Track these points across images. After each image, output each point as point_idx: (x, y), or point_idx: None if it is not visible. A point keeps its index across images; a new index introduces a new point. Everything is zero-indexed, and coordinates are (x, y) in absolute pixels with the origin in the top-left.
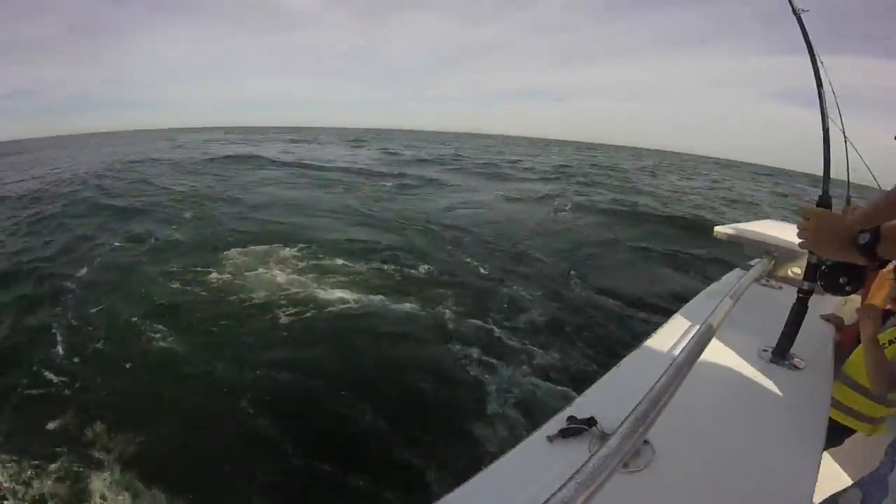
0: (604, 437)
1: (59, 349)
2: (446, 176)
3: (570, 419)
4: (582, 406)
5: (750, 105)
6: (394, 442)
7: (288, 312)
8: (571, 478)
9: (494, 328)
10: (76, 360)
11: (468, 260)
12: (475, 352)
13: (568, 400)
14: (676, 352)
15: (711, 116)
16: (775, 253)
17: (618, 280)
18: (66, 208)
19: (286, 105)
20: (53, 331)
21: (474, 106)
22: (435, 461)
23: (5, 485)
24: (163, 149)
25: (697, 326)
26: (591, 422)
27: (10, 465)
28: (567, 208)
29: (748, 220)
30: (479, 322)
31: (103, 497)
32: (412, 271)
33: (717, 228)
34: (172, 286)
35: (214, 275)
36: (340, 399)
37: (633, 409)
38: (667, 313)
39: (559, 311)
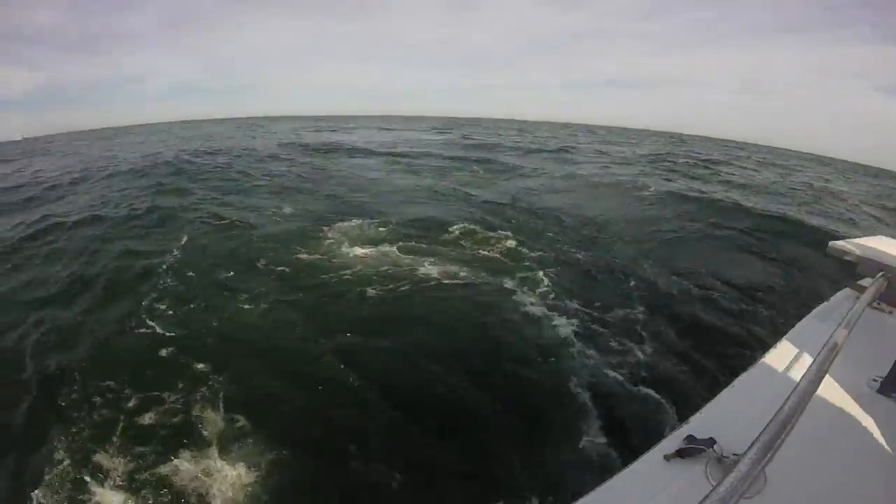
0: (721, 459)
1: (166, 299)
2: (536, 162)
3: (690, 438)
4: (700, 425)
5: (857, 98)
6: (481, 423)
7: (382, 286)
8: None
9: (589, 314)
10: (183, 310)
11: (564, 246)
12: (567, 337)
13: (656, 407)
14: (792, 375)
15: (814, 109)
16: (889, 274)
17: (712, 277)
18: (163, 181)
19: (373, 94)
20: (161, 282)
21: (564, 94)
22: (523, 450)
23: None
24: (256, 136)
25: (810, 352)
26: (710, 442)
27: (123, 396)
28: (657, 198)
29: (846, 230)
30: (574, 305)
31: (213, 429)
32: (503, 251)
33: (832, 244)
34: (271, 258)
35: (309, 251)
36: (427, 368)
37: (759, 436)
38: (766, 320)
39: (656, 303)
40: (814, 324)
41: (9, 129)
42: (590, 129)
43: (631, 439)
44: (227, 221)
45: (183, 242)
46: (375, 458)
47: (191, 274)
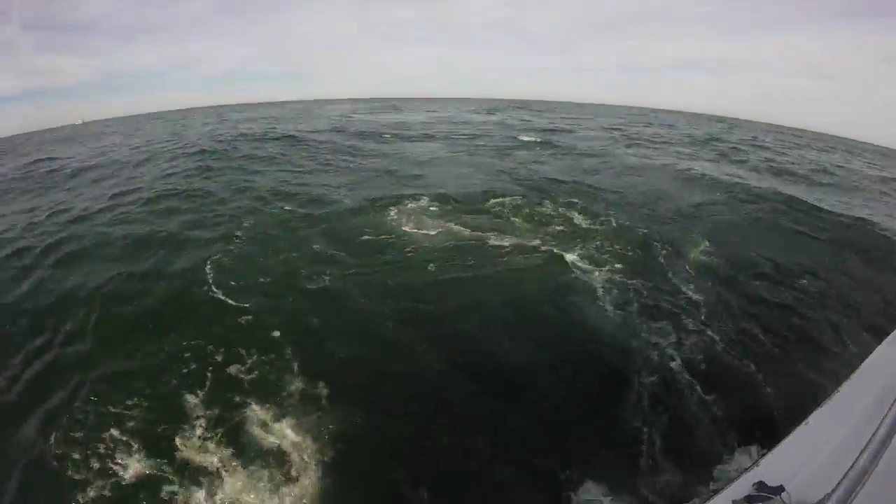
0: None
1: (242, 271)
2: (593, 143)
3: (760, 485)
4: (771, 468)
5: None
6: (542, 394)
7: (447, 260)
8: None
9: (649, 293)
10: (258, 281)
11: (625, 222)
12: (629, 317)
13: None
14: (871, 414)
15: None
16: None
17: (775, 263)
18: (240, 158)
19: (430, 77)
20: (231, 247)
21: (621, 76)
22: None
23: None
24: (313, 117)
25: (892, 386)
26: (779, 490)
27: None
28: (713, 181)
29: None
30: (637, 284)
31: (288, 386)
32: (566, 225)
33: None
34: (338, 234)
35: (374, 227)
36: (493, 338)
37: (834, 489)
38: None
39: (717, 287)
40: (888, 353)
41: (70, 115)
42: (649, 112)
43: (680, 430)
44: (293, 199)
45: (249, 223)
46: (441, 420)
47: (262, 248)
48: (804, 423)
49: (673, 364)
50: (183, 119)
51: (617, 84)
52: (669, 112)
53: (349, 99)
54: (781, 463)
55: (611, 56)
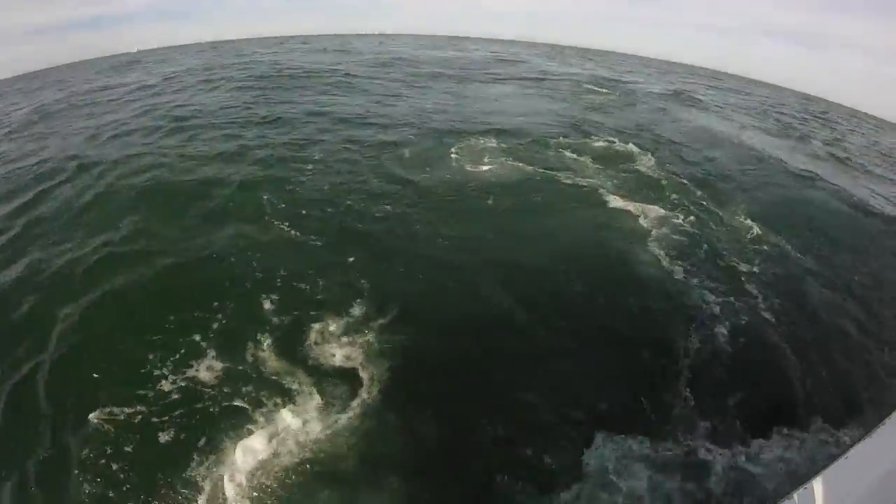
0: None
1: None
2: (656, 101)
3: None
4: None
5: None
6: (598, 341)
7: (514, 197)
8: None
9: (712, 262)
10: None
11: (695, 178)
12: (684, 273)
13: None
14: None
15: None
16: None
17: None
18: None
19: (501, 17)
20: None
21: (698, 34)
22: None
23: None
24: (375, 52)
25: None
26: None
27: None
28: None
29: None
30: (701, 249)
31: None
32: (633, 174)
33: None
34: (406, 166)
35: (441, 166)
36: (555, 279)
37: None
38: None
39: (780, 265)
40: None
41: (124, 44)
42: (725, 76)
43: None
44: (362, 133)
45: (319, 157)
46: (498, 347)
47: (329, 178)
48: (844, 455)
49: (719, 329)
50: (242, 50)
51: (698, 43)
52: (748, 80)
53: (412, 35)
54: (817, 498)
55: (693, 12)
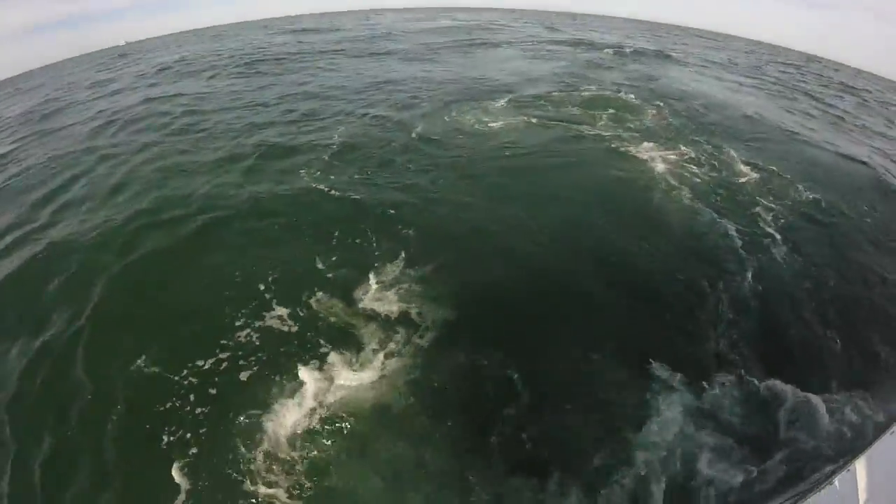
0: None
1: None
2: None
3: None
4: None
5: None
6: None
7: (528, 154)
8: None
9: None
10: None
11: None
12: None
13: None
14: None
15: None
16: None
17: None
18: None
19: None
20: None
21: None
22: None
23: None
24: (373, 27)
25: None
26: None
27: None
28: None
29: None
30: (718, 199)
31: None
32: (647, 129)
33: None
34: (429, 124)
35: (456, 124)
36: (583, 221)
37: None
38: None
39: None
40: None
41: (111, 37)
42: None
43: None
44: (381, 100)
45: (343, 127)
46: (536, 292)
47: (357, 144)
48: (890, 432)
49: (746, 285)
50: (237, 35)
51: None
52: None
53: (404, 8)
54: (860, 479)
55: None
